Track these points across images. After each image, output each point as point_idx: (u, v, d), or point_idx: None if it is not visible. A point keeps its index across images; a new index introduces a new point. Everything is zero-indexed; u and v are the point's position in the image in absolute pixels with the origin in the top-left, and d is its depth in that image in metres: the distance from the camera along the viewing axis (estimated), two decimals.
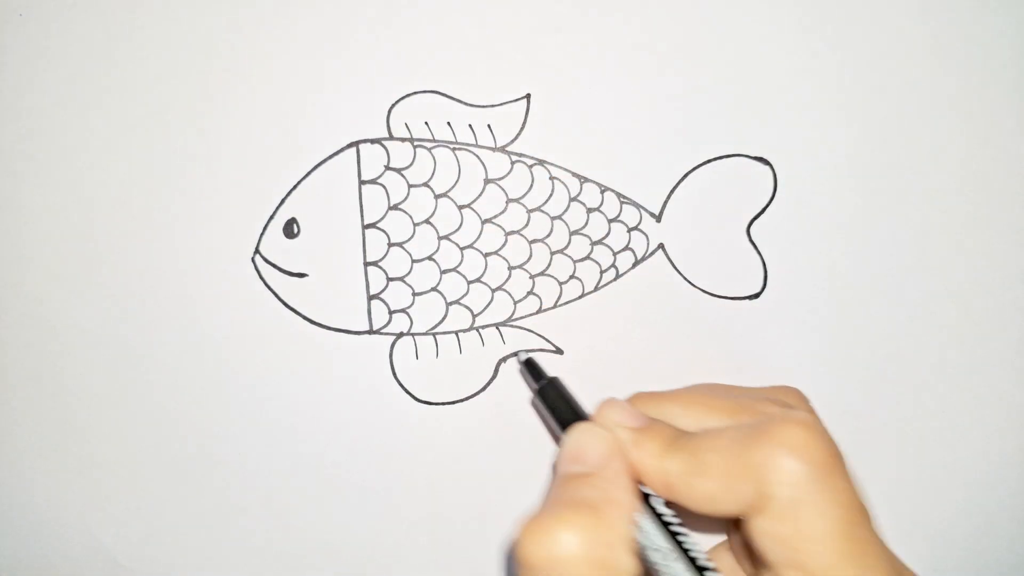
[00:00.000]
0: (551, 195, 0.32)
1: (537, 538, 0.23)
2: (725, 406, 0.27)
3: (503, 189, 0.32)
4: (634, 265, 0.32)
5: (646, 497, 0.25)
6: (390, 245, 0.32)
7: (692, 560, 0.24)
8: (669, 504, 0.25)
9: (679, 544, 0.24)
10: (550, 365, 0.32)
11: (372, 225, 0.32)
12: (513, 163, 0.32)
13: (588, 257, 0.32)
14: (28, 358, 0.33)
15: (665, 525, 0.24)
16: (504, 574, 0.33)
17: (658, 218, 0.32)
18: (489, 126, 0.32)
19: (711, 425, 0.26)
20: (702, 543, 0.24)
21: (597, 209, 0.32)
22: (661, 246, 0.32)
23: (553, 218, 0.32)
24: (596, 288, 0.32)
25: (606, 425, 0.26)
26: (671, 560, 0.24)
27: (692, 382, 0.32)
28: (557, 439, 0.31)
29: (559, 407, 0.28)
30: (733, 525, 0.27)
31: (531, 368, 0.30)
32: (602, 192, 0.32)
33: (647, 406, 0.28)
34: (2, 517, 0.34)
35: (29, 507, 0.34)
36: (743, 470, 0.23)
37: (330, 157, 0.32)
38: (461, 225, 0.32)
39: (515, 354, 0.32)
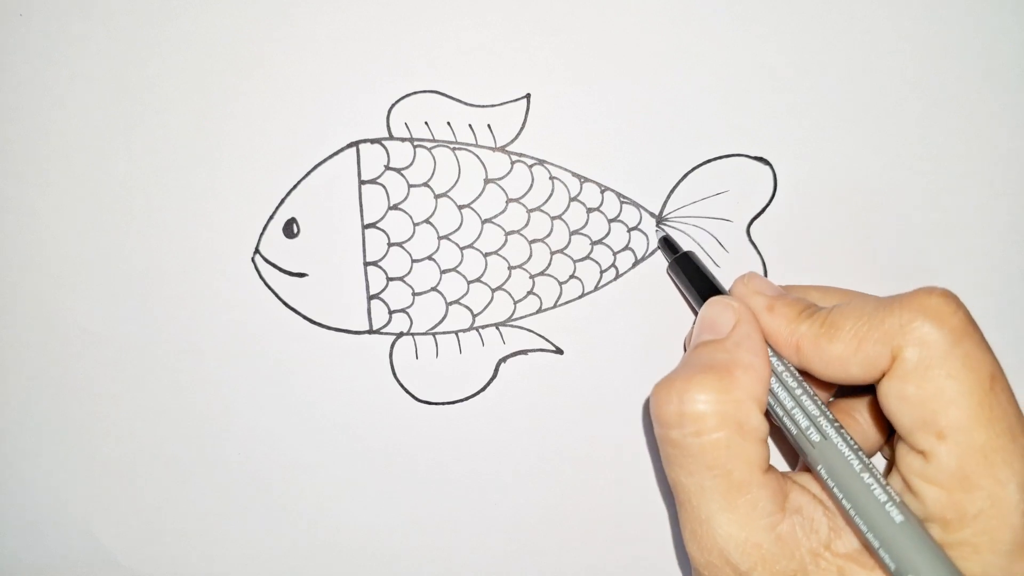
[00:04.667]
0: (551, 195, 0.32)
1: (669, 396, 0.24)
2: (868, 296, 0.27)
3: (503, 189, 0.32)
4: (634, 265, 0.32)
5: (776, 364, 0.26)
6: (390, 245, 0.32)
7: (819, 420, 0.25)
8: (799, 372, 0.26)
9: (806, 406, 0.25)
10: (550, 365, 0.32)
11: (372, 225, 0.32)
12: (513, 163, 0.32)
13: (588, 257, 0.32)
14: (28, 358, 0.33)
15: (792, 387, 0.25)
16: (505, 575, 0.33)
17: (658, 218, 0.32)
18: (489, 126, 0.32)
19: None
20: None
21: (597, 209, 0.32)
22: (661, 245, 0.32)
23: (553, 218, 0.32)
24: (596, 288, 0.32)
25: (741, 295, 0.27)
26: (799, 419, 0.25)
27: None
28: (693, 309, 0.32)
29: (695, 280, 0.30)
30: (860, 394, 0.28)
31: (666, 242, 0.32)
32: (602, 192, 0.32)
33: (788, 290, 0.29)
34: (2, 517, 0.34)
35: (29, 507, 0.34)
36: (878, 333, 0.23)
37: (330, 157, 0.32)
38: (461, 225, 0.32)
39: (658, 221, 0.32)
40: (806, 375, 0.26)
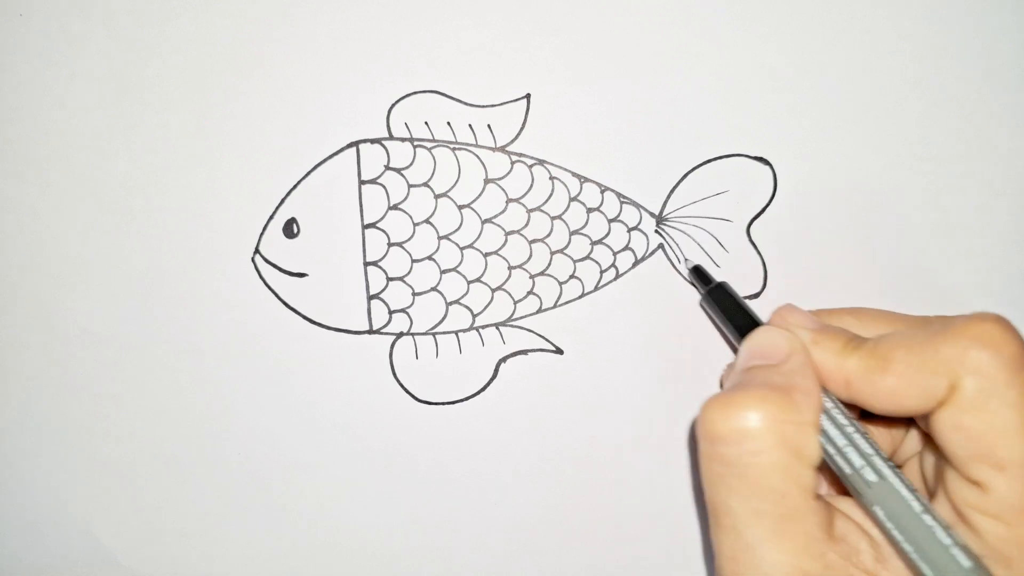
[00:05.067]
0: (551, 195, 0.32)
1: (726, 412, 0.23)
2: (903, 317, 0.27)
3: (503, 189, 0.32)
4: (634, 265, 0.32)
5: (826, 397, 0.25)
6: (390, 245, 0.32)
7: (873, 460, 0.24)
8: (847, 406, 0.25)
9: (859, 444, 0.24)
10: (550, 365, 0.32)
11: (372, 225, 0.32)
12: (513, 163, 0.32)
13: (588, 257, 0.32)
14: (28, 358, 0.33)
15: (843, 424, 0.25)
16: None
17: (658, 218, 0.32)
18: (489, 126, 0.32)
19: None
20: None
21: (597, 209, 0.32)
22: (661, 246, 0.32)
23: (553, 218, 0.32)
24: (596, 288, 0.32)
25: (785, 327, 0.26)
26: (852, 458, 0.24)
27: (692, 382, 0.32)
28: (728, 341, 0.32)
29: (732, 311, 0.29)
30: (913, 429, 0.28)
31: (698, 274, 0.31)
32: (602, 192, 0.32)
33: (820, 317, 0.28)
34: (2, 517, 0.34)
35: (29, 507, 0.34)
36: (931, 364, 0.23)
37: (330, 157, 0.32)
38: (461, 225, 0.32)
39: (684, 263, 0.32)
40: (850, 408, 0.25)
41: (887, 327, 0.27)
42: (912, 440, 0.27)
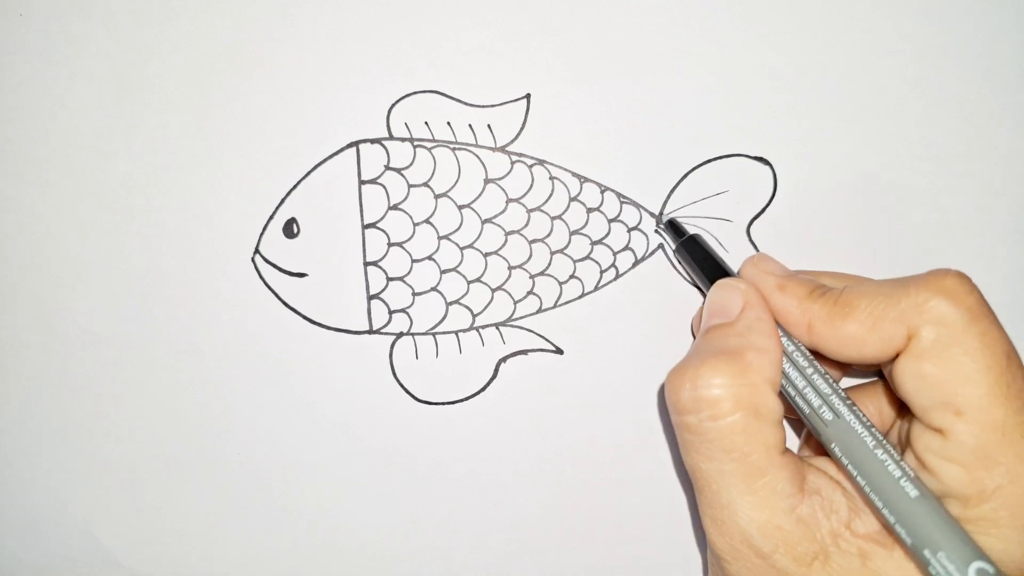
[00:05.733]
0: (551, 195, 0.32)
1: (682, 381, 0.25)
2: (873, 279, 0.27)
3: (503, 189, 0.32)
4: (634, 265, 0.32)
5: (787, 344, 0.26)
6: (390, 245, 0.32)
7: (831, 399, 0.25)
8: (810, 351, 0.26)
9: (818, 385, 0.25)
10: (550, 365, 0.32)
11: (372, 225, 0.32)
12: (513, 163, 0.32)
13: (588, 257, 0.32)
14: (28, 358, 0.33)
15: (803, 366, 0.25)
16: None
17: (658, 218, 0.32)
18: (489, 126, 0.32)
19: None
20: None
21: (597, 209, 0.32)
22: (661, 246, 0.32)
23: (553, 218, 0.32)
24: (596, 288, 0.32)
25: (751, 276, 0.27)
26: (811, 398, 0.25)
27: None
28: (702, 293, 0.32)
29: (703, 263, 0.30)
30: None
31: (672, 226, 0.31)
32: (602, 192, 0.32)
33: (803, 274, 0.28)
34: (2, 517, 0.34)
35: (29, 507, 0.34)
36: (894, 312, 0.23)
37: (330, 157, 0.32)
38: (461, 225, 0.32)
39: (659, 216, 0.32)
40: (817, 356, 0.26)
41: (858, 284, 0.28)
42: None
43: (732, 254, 0.32)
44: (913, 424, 0.24)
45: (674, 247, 0.31)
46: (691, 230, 0.32)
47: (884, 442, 0.24)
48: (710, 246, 0.30)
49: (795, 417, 0.28)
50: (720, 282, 0.27)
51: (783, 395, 0.26)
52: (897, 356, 0.24)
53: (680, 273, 0.32)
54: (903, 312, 0.23)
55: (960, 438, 0.23)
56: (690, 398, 0.24)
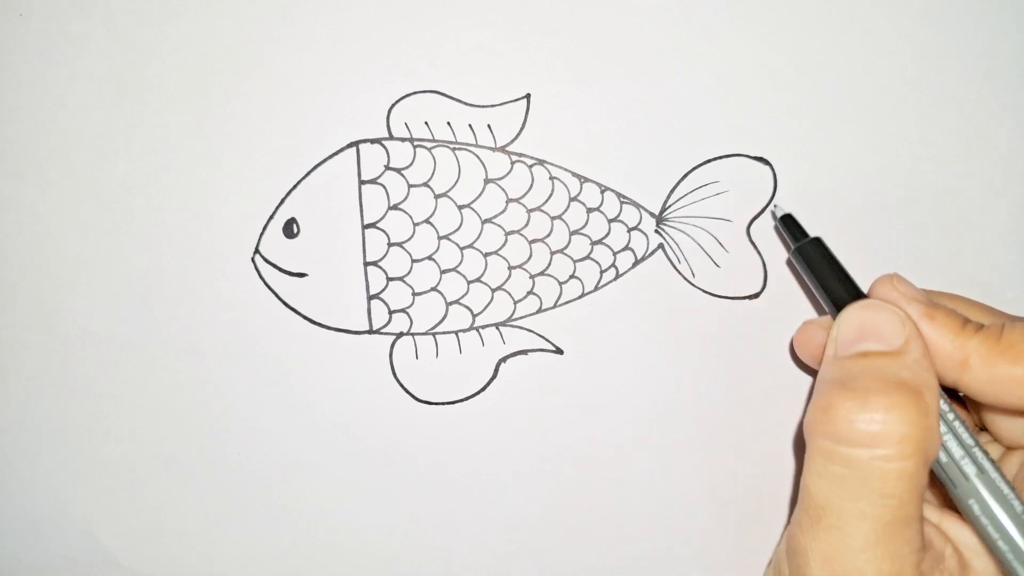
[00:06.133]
0: (551, 195, 0.32)
1: (860, 414, 0.22)
2: (984, 307, 0.25)
3: (503, 189, 0.32)
4: (634, 265, 0.32)
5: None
6: (390, 245, 0.32)
7: (974, 451, 0.22)
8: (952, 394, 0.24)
9: (960, 433, 0.23)
10: (550, 365, 0.32)
11: (372, 225, 0.32)
12: (513, 163, 0.32)
13: (588, 257, 0.32)
14: (28, 358, 0.33)
15: (944, 411, 0.23)
16: None
17: (658, 218, 0.32)
18: (489, 126, 0.32)
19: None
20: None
21: (597, 209, 0.32)
22: (661, 246, 0.32)
23: (553, 218, 0.32)
24: (596, 288, 0.32)
25: (892, 301, 0.25)
26: (952, 448, 0.23)
27: (692, 381, 0.32)
28: (816, 300, 0.29)
29: (827, 274, 0.27)
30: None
31: (789, 225, 0.28)
32: (602, 192, 0.32)
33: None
34: (2, 517, 0.34)
35: (29, 507, 0.34)
36: None
37: (330, 157, 0.32)
38: (461, 225, 0.32)
39: (773, 209, 0.28)
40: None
41: (987, 317, 0.25)
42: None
43: (732, 254, 0.32)
44: None
45: (793, 247, 0.28)
46: (687, 240, 0.32)
47: None
48: (834, 255, 0.27)
49: None
50: (874, 303, 0.24)
51: None
52: None
53: (680, 274, 0.32)
54: None
55: None
56: (865, 433, 0.21)
